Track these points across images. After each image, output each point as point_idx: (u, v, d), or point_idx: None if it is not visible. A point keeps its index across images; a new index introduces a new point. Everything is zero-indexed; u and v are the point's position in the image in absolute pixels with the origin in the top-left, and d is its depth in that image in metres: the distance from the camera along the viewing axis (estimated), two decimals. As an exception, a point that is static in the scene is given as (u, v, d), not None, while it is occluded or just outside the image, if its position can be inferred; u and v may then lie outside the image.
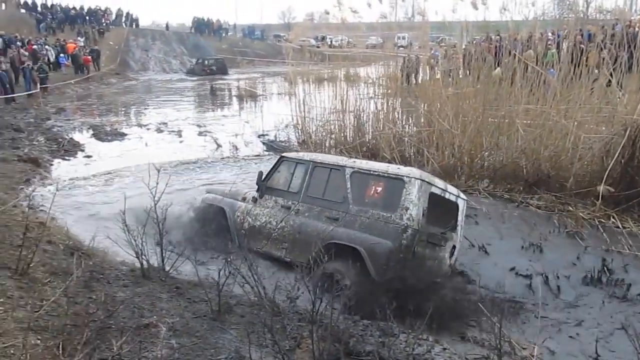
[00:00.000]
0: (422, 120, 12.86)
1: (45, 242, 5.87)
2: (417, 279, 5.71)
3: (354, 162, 7.00)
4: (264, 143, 16.23)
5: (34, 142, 14.87)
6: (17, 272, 4.87)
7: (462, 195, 7.14)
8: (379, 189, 6.46)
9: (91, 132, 17.31)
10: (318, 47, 35.95)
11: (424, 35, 13.86)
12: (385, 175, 6.48)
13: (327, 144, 14.20)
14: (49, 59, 29.72)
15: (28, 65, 23.72)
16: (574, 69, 10.32)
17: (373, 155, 12.84)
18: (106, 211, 8.52)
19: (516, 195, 9.74)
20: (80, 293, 4.78)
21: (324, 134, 14.62)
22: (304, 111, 14.91)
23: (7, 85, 20.95)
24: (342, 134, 14.18)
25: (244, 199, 7.72)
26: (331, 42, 37.60)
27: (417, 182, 6.21)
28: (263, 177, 7.51)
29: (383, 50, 15.48)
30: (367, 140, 13.51)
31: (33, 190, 5.89)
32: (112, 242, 6.11)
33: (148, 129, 18.60)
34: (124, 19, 49.21)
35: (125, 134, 17.35)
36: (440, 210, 6.61)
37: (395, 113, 13.62)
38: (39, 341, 3.76)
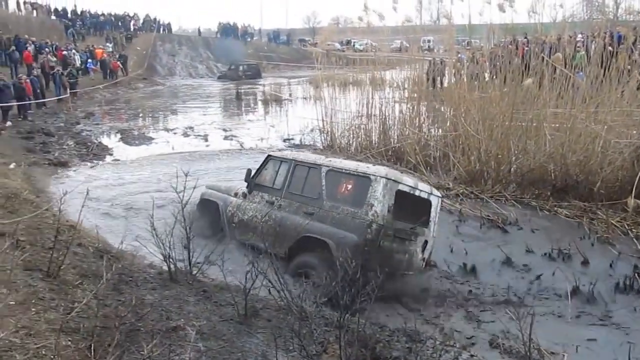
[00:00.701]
0: (448, 124, 12.76)
1: (75, 245, 5.96)
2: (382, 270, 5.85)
3: (330, 160, 7.47)
4: (288, 147, 16.29)
5: (64, 146, 15.20)
6: (48, 274, 4.95)
7: (435, 192, 7.46)
8: (349, 186, 6.91)
9: (119, 136, 17.61)
10: (343, 51, 35.99)
11: (450, 38, 13.77)
12: (355, 173, 6.94)
13: (352, 148, 14.19)
14: (79, 64, 30.30)
15: (58, 70, 24.21)
16: (604, 72, 10.15)
17: (398, 159, 12.80)
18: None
19: (544, 203, 9.59)
20: (110, 295, 4.85)
21: (349, 138, 14.61)
22: (330, 115, 14.93)
23: (38, 91, 21.39)
24: (367, 138, 14.16)
25: (235, 195, 8.26)
26: (354, 45, 37.61)
27: (383, 181, 6.61)
28: (252, 174, 8.02)
29: (408, 54, 15.38)
30: (392, 144, 13.47)
31: (64, 194, 6.00)
32: (140, 244, 6.24)
33: (175, 133, 18.82)
34: (153, 25, 50.01)
35: (153, 138, 17.59)
36: (413, 207, 6.93)
37: (421, 117, 13.55)
38: (70, 342, 3.82)
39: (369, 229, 6.49)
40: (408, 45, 15.97)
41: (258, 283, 4.96)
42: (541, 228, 8.79)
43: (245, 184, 8.12)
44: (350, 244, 6.35)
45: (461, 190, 10.29)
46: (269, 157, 8.11)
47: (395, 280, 6.11)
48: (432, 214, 7.24)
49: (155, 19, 51.33)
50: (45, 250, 5.51)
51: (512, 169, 10.67)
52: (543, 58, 10.87)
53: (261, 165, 8.07)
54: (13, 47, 26.42)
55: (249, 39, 54.96)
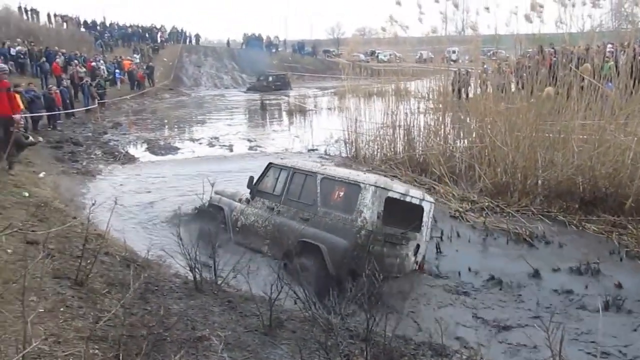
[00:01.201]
0: (474, 135, 12.65)
1: (103, 254, 6.04)
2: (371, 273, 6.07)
3: (325, 168, 7.87)
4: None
5: (92, 156, 15.43)
6: (76, 282, 5.01)
7: (428, 198, 7.72)
8: (341, 193, 7.26)
9: (145, 146, 17.82)
10: (367, 62, 36.02)
11: (476, 49, 13.68)
12: (346, 181, 7.29)
13: (376, 159, 14.15)
14: (107, 75, 30.86)
15: (86, 81, 24.68)
16: (633, 83, 9.97)
17: (423, 170, 12.74)
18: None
19: (572, 218, 9.41)
20: (136, 304, 4.89)
21: (374, 148, 14.59)
22: (355, 126, 14.92)
23: (68, 101, 21.81)
24: (392, 149, 14.11)
25: (239, 200, 8.67)
26: (377, 56, 37.63)
27: (372, 188, 6.94)
28: (254, 181, 8.43)
29: (433, 65, 15.33)
30: (417, 155, 13.40)
31: (93, 204, 6.12)
32: (166, 253, 6.32)
33: (200, 143, 18.99)
34: (180, 36, 50.73)
35: (179, 148, 17.76)
36: (406, 212, 7.23)
37: (446, 128, 13.46)
38: (97, 351, 3.85)
39: (359, 235, 6.83)
40: (432, 55, 15.91)
41: (283, 294, 4.97)
42: (569, 242, 8.64)
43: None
44: (341, 248, 6.79)
45: (486, 204, 10.17)
46: (270, 165, 8.50)
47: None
48: (425, 219, 7.52)
49: (181, 30, 52.10)
50: (73, 258, 5.59)
51: (539, 182, 10.51)
52: (571, 69, 10.73)
53: (263, 173, 8.44)
54: (44, 59, 27.04)
55: (274, 50, 55.30)
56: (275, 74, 42.34)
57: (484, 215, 9.68)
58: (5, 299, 3.98)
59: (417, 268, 7.57)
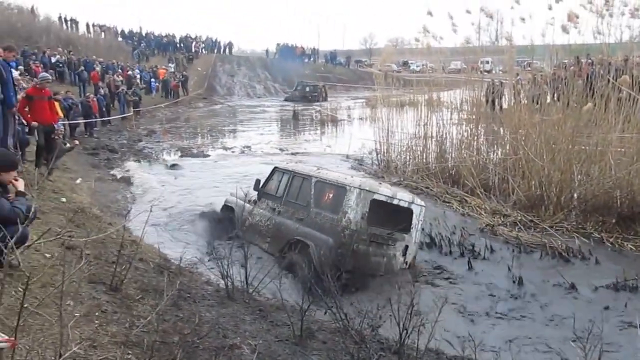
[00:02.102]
0: (508, 147, 12.47)
1: (137, 260, 6.13)
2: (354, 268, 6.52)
3: (319, 172, 8.37)
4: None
5: (127, 163, 15.73)
6: (111, 287, 5.10)
7: (417, 201, 8.06)
8: (331, 195, 7.80)
9: (179, 153, 18.07)
10: (399, 72, 35.91)
11: (510, 59, 13.51)
12: (335, 184, 7.84)
13: (408, 170, 14.07)
14: (142, 84, 31.49)
15: (122, 90, 25.21)
16: (675, 95, 9.72)
17: (455, 182, 12.60)
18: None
19: (608, 235, 9.13)
20: (169, 311, 4.94)
21: (405, 158, 14.51)
22: (387, 136, 14.88)
23: (104, 109, 22.31)
24: (424, 160, 14.02)
25: (249, 201, 9.24)
26: (410, 66, 37.45)
27: (356, 190, 7.46)
28: (261, 184, 9.04)
29: (465, 75, 15.19)
30: (449, 166, 13.28)
31: (129, 211, 6.24)
32: (199, 260, 6.40)
33: (233, 152, 19.19)
34: (214, 46, 51.43)
35: (211, 156, 17.96)
36: (395, 215, 7.63)
37: (479, 140, 13.31)
38: (131, 356, 3.91)
39: (343, 234, 7.36)
40: (465, 66, 15.77)
41: (313, 304, 4.97)
42: (606, 259, 8.41)
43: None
44: (327, 246, 7.30)
45: (519, 218, 9.98)
46: (275, 169, 9.12)
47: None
48: (414, 221, 7.91)
49: (215, 40, 52.80)
50: (108, 264, 5.68)
51: (574, 195, 10.28)
52: (609, 80, 10.50)
53: (269, 176, 9.07)
54: (82, 68, 27.74)
55: (306, 60, 55.57)
56: (311, 84, 42.19)
57: (517, 229, 9.51)
58: (43, 302, 4.07)
59: (406, 267, 7.95)
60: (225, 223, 9.23)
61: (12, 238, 3.85)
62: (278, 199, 8.63)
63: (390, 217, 7.59)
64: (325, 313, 5.05)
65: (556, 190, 10.27)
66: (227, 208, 9.72)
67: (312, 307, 4.91)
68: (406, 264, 7.94)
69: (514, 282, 7.85)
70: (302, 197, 8.19)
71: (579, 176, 10.34)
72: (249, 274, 6.07)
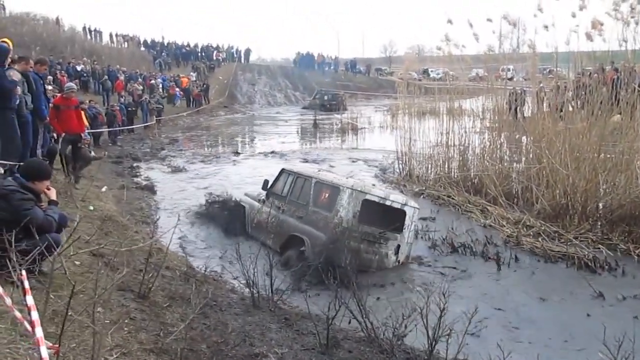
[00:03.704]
0: (531, 156, 12.35)
1: (164, 268, 6.20)
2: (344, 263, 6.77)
3: (319, 173, 9.15)
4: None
5: (150, 171, 15.91)
6: (139, 295, 5.17)
7: (410, 203, 8.52)
8: (327, 194, 8.39)
9: (202, 163, 18.23)
10: (420, 80, 35.75)
11: (533, 67, 13.40)
12: (330, 184, 8.46)
13: (430, 178, 14.02)
14: (163, 92, 31.86)
15: (145, 98, 25.55)
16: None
17: (477, 191, 12.51)
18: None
19: (635, 245, 8.96)
20: (196, 319, 4.99)
21: (427, 167, 14.47)
22: (408, 144, 14.86)
23: (126, 117, 22.58)
24: (446, 169, 13.96)
25: (258, 201, 9.87)
26: (430, 74, 37.22)
27: (348, 190, 8.09)
28: (269, 184, 9.62)
29: (487, 83, 15.08)
30: (472, 175, 13.20)
31: (157, 220, 6.34)
32: (225, 268, 6.46)
33: (254, 159, 19.26)
34: (235, 55, 51.82)
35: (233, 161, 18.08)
36: (389, 215, 8.14)
37: (502, 148, 13.22)
38: (159, 363, 3.96)
39: (335, 230, 7.91)
40: (486, 73, 15.67)
41: (339, 313, 4.97)
42: (634, 269, 8.29)
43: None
44: (320, 241, 7.81)
45: (543, 228, 9.86)
46: (282, 170, 9.69)
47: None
48: (407, 222, 8.34)
49: (236, 49, 53.15)
50: (136, 272, 5.75)
51: (600, 205, 10.14)
52: (634, 88, 10.37)
53: (276, 177, 9.63)
54: (106, 77, 28.19)
55: (326, 68, 55.70)
56: (331, 92, 41.64)
57: (540, 240, 9.40)
58: (74, 309, 4.14)
59: (398, 264, 8.42)
60: (236, 222, 9.96)
61: (45, 246, 3.96)
62: (283, 198, 9.21)
63: (384, 218, 8.12)
64: (350, 322, 5.05)
65: (581, 199, 10.13)
66: (240, 207, 10.33)
67: (337, 316, 4.91)
68: (398, 262, 8.42)
69: (540, 291, 7.76)
70: (303, 196, 8.77)
71: (605, 185, 10.21)
72: (274, 281, 6.10)
